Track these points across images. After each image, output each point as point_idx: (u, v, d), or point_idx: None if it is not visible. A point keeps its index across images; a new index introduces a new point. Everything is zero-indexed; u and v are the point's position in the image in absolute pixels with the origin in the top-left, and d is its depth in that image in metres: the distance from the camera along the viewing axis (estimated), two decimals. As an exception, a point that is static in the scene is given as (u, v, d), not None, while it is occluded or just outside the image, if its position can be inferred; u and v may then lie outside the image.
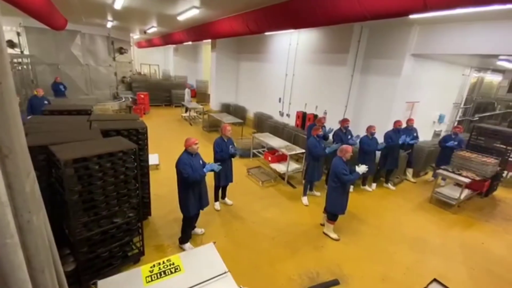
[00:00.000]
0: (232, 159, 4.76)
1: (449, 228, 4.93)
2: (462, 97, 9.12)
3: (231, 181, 4.86)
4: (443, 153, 6.41)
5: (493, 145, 6.14)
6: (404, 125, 6.18)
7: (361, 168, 4.06)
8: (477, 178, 5.43)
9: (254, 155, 7.58)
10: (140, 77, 14.74)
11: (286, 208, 5.20)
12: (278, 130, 8.52)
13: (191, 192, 3.59)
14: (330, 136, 5.83)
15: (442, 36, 5.48)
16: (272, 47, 9.51)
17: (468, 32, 5.05)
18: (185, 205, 3.65)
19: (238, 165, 6.56)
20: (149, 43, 16.26)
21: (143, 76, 15.70)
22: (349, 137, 5.77)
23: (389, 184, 6.37)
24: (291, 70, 8.58)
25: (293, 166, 6.37)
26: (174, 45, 17.13)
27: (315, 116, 7.67)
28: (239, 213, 4.87)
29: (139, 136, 3.92)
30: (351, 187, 5.38)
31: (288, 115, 9.01)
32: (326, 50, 7.28)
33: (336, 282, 3.44)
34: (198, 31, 8.90)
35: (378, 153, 5.95)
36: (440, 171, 5.84)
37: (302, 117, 8.09)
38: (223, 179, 4.69)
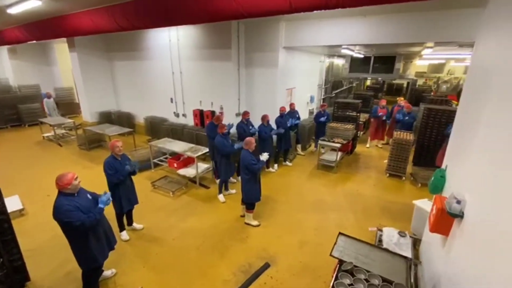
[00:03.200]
0: (132, 177, 4.13)
1: (335, 186, 6.18)
2: (322, 79, 11.38)
3: (136, 202, 4.22)
4: (318, 127, 7.97)
5: (347, 114, 8.04)
6: (288, 109, 7.13)
7: (264, 156, 4.41)
8: (344, 142, 7.00)
9: (156, 165, 6.89)
10: (-44, 93, 10.31)
11: (204, 211, 5.06)
12: (177, 132, 8.04)
13: (93, 238, 2.82)
14: (233, 130, 5.99)
15: (303, 31, 6.52)
16: (150, 44, 8.65)
17: (321, 28, 6.22)
18: (89, 257, 2.83)
19: (140, 181, 5.79)
20: (-40, 43, 11.41)
21: (-39, 90, 11.05)
22: (250, 127, 6.13)
23: (287, 162, 7.30)
24: (177, 68, 8.14)
25: (203, 166, 6.22)
26: (8, 46, 12.75)
27: (213, 112, 7.67)
28: (154, 235, 4.36)
29: (-19, 182, 2.76)
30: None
31: (184, 115, 8.61)
32: (209, 46, 7.28)
33: (267, 265, 3.69)
34: (45, 28, 6.93)
35: (274, 138, 6.63)
36: (319, 142, 7.19)
37: (200, 115, 7.92)
38: (126, 203, 4.01)
